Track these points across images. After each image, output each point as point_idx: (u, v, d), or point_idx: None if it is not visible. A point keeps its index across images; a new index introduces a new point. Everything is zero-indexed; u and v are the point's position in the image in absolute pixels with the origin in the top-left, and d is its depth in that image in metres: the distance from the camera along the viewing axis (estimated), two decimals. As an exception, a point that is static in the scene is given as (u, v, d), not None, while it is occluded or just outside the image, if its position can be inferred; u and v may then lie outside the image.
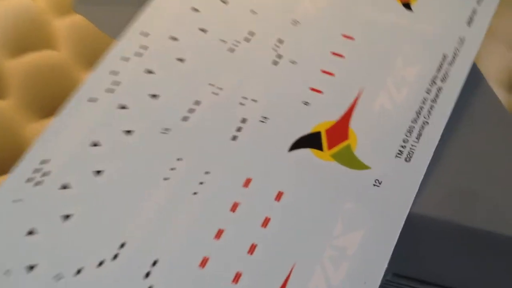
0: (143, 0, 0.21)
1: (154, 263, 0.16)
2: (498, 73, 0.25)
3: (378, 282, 0.15)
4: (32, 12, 0.27)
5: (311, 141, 0.18)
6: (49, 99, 0.26)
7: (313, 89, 0.19)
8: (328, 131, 0.18)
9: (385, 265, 0.16)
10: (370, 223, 0.16)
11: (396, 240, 0.16)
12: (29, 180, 0.18)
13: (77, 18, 0.27)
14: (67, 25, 0.27)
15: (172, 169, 0.18)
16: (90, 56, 0.27)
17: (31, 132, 0.24)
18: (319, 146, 0.18)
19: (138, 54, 0.20)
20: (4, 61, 0.26)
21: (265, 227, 0.16)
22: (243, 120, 0.18)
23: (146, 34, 0.20)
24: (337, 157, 0.17)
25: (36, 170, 0.18)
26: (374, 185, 0.17)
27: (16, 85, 0.26)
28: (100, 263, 0.16)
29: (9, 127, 0.25)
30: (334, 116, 0.18)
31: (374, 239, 0.16)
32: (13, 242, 0.16)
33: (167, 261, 0.16)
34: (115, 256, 0.16)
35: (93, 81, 0.19)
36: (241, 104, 0.19)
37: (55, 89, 0.26)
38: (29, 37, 0.27)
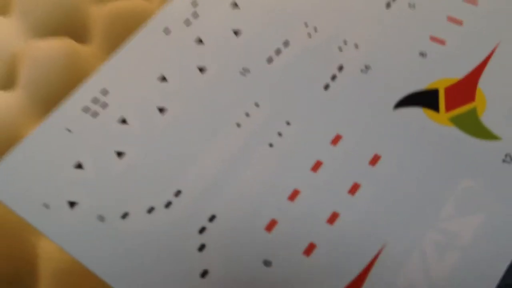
0: None
1: (211, 219, 0.13)
2: None
3: (497, 280, 0.11)
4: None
5: (425, 99, 0.14)
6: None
7: (434, 38, 0.15)
8: (448, 90, 0.14)
9: (508, 262, 0.11)
10: (494, 207, 0.12)
11: (529, 234, 0.12)
12: (85, 109, 0.15)
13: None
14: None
15: (246, 114, 0.14)
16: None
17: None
18: (434, 106, 0.14)
19: None
20: (91, 6, 0.25)
21: (352, 194, 0.13)
22: (340, 68, 0.15)
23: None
24: (457, 122, 0.13)
25: (95, 100, 0.15)
26: (504, 160, 0.13)
27: (100, 32, 0.24)
28: (150, 210, 0.13)
29: (87, 73, 0.23)
30: (458, 72, 0.14)
31: (496, 228, 0.12)
32: (58, 174, 0.14)
33: (227, 219, 0.13)
34: (168, 204, 0.13)
35: (170, 11, 0.17)
36: (340, 49, 0.15)
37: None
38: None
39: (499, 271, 0.12)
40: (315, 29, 0.16)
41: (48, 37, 0.24)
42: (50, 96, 0.22)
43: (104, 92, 0.15)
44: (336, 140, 0.14)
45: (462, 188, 0.13)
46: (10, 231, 0.14)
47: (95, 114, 0.15)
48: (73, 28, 0.25)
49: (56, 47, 0.23)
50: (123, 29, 0.24)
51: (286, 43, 0.16)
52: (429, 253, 0.12)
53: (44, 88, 0.23)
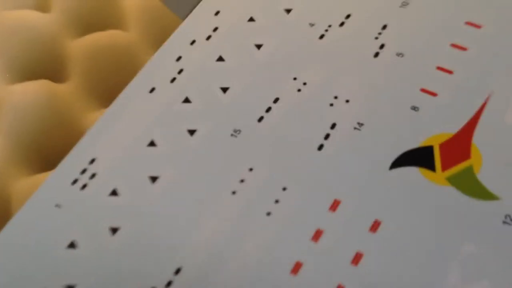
0: (219, -27, 0.18)
1: None
2: None
3: None
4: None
5: (420, 157, 0.14)
6: (113, 85, 0.23)
7: (424, 91, 0.15)
8: (443, 146, 0.14)
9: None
10: (498, 271, 0.12)
11: (533, 301, 0.12)
12: (74, 181, 0.15)
13: (146, -5, 0.24)
14: (138, 4, 0.24)
15: (241, 181, 0.14)
16: (161, 39, 0.24)
17: (92, 122, 0.21)
18: (430, 165, 0.14)
19: (207, 38, 0.16)
20: (67, 41, 0.24)
21: (355, 265, 0.13)
22: (333, 126, 0.15)
23: (218, 13, 0.17)
24: (455, 181, 0.13)
25: (83, 171, 0.15)
26: (505, 222, 0.13)
27: (79, 68, 0.23)
28: None
29: (66, 114, 0.22)
30: (452, 127, 0.14)
31: (503, 297, 0.12)
32: (51, 255, 0.14)
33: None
34: (169, 284, 0.13)
35: (153, 68, 0.16)
36: (331, 105, 0.15)
37: (120, 74, 0.23)
38: (97, 15, 0.24)
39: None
40: (304, 84, 0.15)
41: (25, 80, 0.23)
42: (32, 142, 0.22)
43: (92, 161, 0.15)
44: (334, 206, 0.14)
45: (464, 253, 0.13)
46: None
47: (83, 187, 0.15)
48: (50, 67, 0.24)
49: (32, 90, 0.23)
50: (101, 63, 0.24)
51: (276, 100, 0.15)
52: (437, 328, 0.12)
53: (25, 133, 0.22)
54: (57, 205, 0.14)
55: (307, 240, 0.13)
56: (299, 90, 0.15)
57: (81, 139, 0.18)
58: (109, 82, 0.23)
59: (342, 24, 0.16)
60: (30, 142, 0.22)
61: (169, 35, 0.24)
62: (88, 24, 0.25)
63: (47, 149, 0.22)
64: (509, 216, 0.13)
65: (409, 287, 0.12)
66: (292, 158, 0.14)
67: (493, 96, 0.15)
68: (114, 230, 0.14)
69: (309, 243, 0.13)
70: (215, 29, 0.17)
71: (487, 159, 0.14)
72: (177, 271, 0.13)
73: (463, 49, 0.15)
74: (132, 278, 0.13)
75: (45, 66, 0.24)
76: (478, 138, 0.14)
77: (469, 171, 0.14)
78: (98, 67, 0.23)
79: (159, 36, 0.25)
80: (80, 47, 0.24)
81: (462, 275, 0.12)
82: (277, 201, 0.14)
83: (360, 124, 0.15)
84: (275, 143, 0.15)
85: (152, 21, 0.25)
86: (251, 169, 0.14)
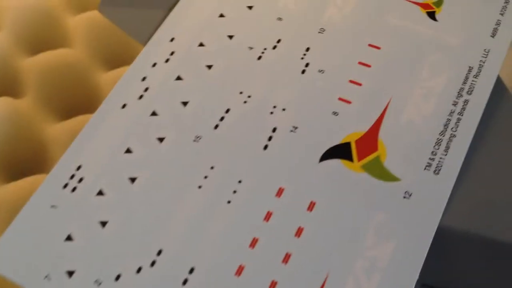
0: (170, 3, 0.21)
1: (191, 271, 0.16)
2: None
3: (411, 293, 0.16)
4: (48, 10, 0.27)
5: (341, 151, 0.18)
6: (66, 98, 0.25)
7: (341, 99, 0.19)
8: (357, 142, 0.18)
9: (416, 276, 0.16)
10: (401, 234, 0.17)
11: (426, 252, 0.16)
12: (65, 186, 0.18)
13: (93, 15, 0.27)
14: (83, 23, 0.27)
15: (205, 177, 0.18)
16: (107, 54, 0.27)
17: (51, 134, 0.24)
18: (349, 157, 0.18)
19: (166, 60, 0.20)
20: (20, 59, 0.26)
21: (298, 237, 0.17)
22: (274, 129, 0.19)
23: (173, 40, 0.20)
24: (367, 168, 0.18)
25: (71, 176, 0.18)
26: (404, 197, 0.17)
27: (33, 84, 0.26)
28: (139, 270, 0.16)
29: (26, 127, 0.24)
30: (363, 126, 0.19)
31: (406, 251, 0.16)
32: (52, 247, 0.17)
33: (204, 269, 0.16)
34: (153, 263, 0.16)
35: (122, 87, 0.19)
36: (271, 113, 0.19)
37: (72, 89, 0.26)
38: (45, 35, 0.27)
39: (412, 282, 0.16)
40: (249, 97, 0.19)
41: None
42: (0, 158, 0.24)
43: (78, 167, 0.18)
44: (280, 192, 0.18)
45: (377, 221, 0.17)
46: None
47: (73, 189, 0.18)
48: (7, 84, 0.26)
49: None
50: (54, 80, 0.26)
51: (227, 111, 0.19)
52: (360, 276, 0.16)
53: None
54: (53, 206, 0.17)
55: (260, 220, 0.17)
56: (245, 102, 0.19)
57: (49, 148, 0.20)
58: (63, 96, 0.26)
59: (274, 47, 0.20)
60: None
61: (114, 51, 0.27)
62: (38, 42, 0.27)
63: (11, 160, 0.24)
64: (407, 192, 0.18)
65: (338, 250, 0.17)
66: (244, 157, 0.18)
67: (392, 101, 0.19)
68: (104, 223, 0.17)
69: (262, 223, 0.17)
70: (172, 53, 0.20)
71: (390, 150, 0.18)
72: (159, 252, 0.17)
73: (368, 66, 0.20)
74: (122, 260, 0.17)
75: (2, 83, 0.26)
76: (383, 134, 0.19)
77: (377, 160, 0.18)
78: (52, 84, 0.26)
79: (105, 52, 0.27)
80: (33, 65, 0.26)
81: (375, 237, 0.17)
82: (235, 191, 0.18)
83: (295, 127, 0.19)
84: (230, 145, 0.18)
85: (97, 39, 0.27)
86: (212, 167, 0.18)
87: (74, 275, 0.16)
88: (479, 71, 0.19)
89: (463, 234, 0.17)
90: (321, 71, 0.20)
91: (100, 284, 0.16)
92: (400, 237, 0.17)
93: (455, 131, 0.18)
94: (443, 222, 0.17)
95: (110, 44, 0.27)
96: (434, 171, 0.18)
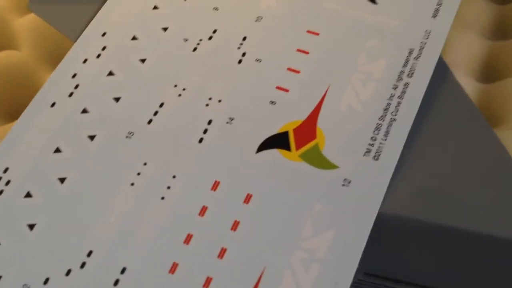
0: (102, -2, 0.20)
1: (123, 271, 0.16)
2: (467, 62, 0.25)
3: (349, 282, 0.15)
4: (-11, 10, 0.26)
5: (278, 141, 0.18)
6: (12, 101, 0.25)
7: (279, 88, 0.19)
8: (295, 131, 0.18)
9: (356, 265, 0.16)
10: (340, 223, 0.16)
11: (366, 240, 0.16)
12: None
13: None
14: (29, 24, 0.26)
15: (138, 174, 0.17)
16: (54, 56, 0.26)
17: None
18: (287, 146, 0.17)
19: (97, 56, 0.19)
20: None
21: (234, 230, 0.16)
22: (209, 122, 0.18)
23: (104, 34, 0.20)
24: (306, 157, 0.17)
25: None
26: (343, 185, 0.17)
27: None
28: (68, 272, 0.16)
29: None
30: (302, 115, 0.18)
31: (344, 240, 0.16)
32: None
33: (136, 268, 0.16)
34: (83, 265, 0.16)
35: (52, 85, 0.19)
36: (207, 105, 0.18)
37: (18, 91, 0.25)
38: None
39: (352, 270, 0.16)
40: (184, 89, 0.19)
41: None
42: None
43: (5, 170, 0.17)
44: (215, 186, 0.17)
45: (315, 211, 0.16)
46: None
47: (0, 192, 0.17)
48: None
49: None
50: (0, 82, 0.26)
51: (161, 104, 0.18)
52: (297, 268, 0.16)
53: None
54: None
55: (195, 215, 0.17)
56: (179, 95, 0.18)
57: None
58: (8, 98, 0.25)
59: (210, 37, 0.20)
60: None
61: (62, 52, 0.27)
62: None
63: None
64: (346, 179, 0.17)
65: (275, 242, 0.16)
66: (178, 151, 0.18)
67: (331, 87, 0.19)
68: (31, 226, 0.16)
69: (197, 218, 0.17)
70: (104, 48, 0.19)
71: (329, 137, 0.18)
72: (89, 253, 0.16)
73: (306, 52, 0.19)
74: (50, 263, 0.16)
75: None
76: (321, 121, 0.18)
77: (316, 148, 0.18)
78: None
79: (51, 53, 0.27)
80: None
81: (313, 228, 0.16)
82: (168, 187, 0.17)
83: (231, 119, 0.18)
84: (164, 140, 0.18)
85: (43, 40, 0.27)
86: (145, 164, 0.17)
87: (1, 281, 0.16)
88: (420, 53, 0.19)
89: (404, 220, 0.16)
90: (258, 60, 0.19)
91: None
92: (339, 226, 0.16)
93: (395, 115, 0.18)
94: (383, 209, 0.16)
95: (56, 45, 0.27)
96: (374, 156, 0.17)
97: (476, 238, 0.16)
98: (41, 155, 0.17)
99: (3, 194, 0.17)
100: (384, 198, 0.17)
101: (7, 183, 0.17)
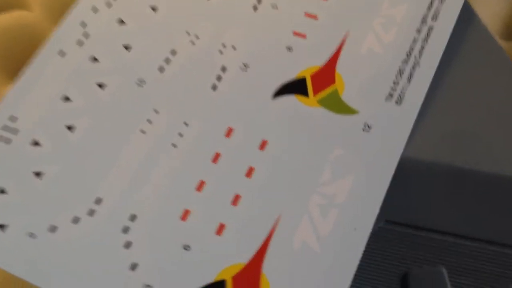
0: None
1: (133, 218, 0.15)
2: (492, 21, 0.24)
3: (370, 228, 0.14)
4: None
5: (296, 87, 0.17)
6: (23, 62, 0.24)
7: (296, 33, 0.18)
8: (313, 76, 0.17)
9: (377, 211, 0.15)
10: (360, 169, 0.15)
11: (387, 186, 0.15)
12: None
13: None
14: None
15: (149, 121, 0.17)
16: (64, 15, 0.26)
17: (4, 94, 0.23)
18: (304, 92, 0.17)
19: (108, 4, 0.19)
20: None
21: (249, 177, 0.16)
22: (223, 69, 0.17)
23: (117, -17, 0.19)
24: (324, 103, 0.16)
25: (5, 127, 0.17)
26: (364, 129, 0.16)
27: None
28: (75, 220, 0.15)
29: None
30: (319, 60, 0.17)
31: (365, 185, 0.15)
32: None
33: (146, 216, 0.15)
34: (91, 212, 0.15)
35: (62, 34, 0.18)
36: (220, 52, 0.18)
37: (28, 52, 0.25)
38: (-1, -2, 0.25)
39: (372, 217, 0.15)
40: (197, 37, 0.18)
41: None
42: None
43: (13, 119, 0.17)
44: (229, 132, 0.16)
45: (334, 156, 0.16)
46: None
47: (8, 141, 0.16)
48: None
49: None
50: (10, 42, 0.25)
51: (173, 52, 0.18)
52: (315, 214, 0.15)
53: None
54: None
55: (209, 162, 0.16)
56: (192, 42, 0.18)
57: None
58: (20, 58, 0.25)
59: (224, -16, 0.19)
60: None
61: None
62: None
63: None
64: (366, 124, 0.16)
65: (292, 189, 0.15)
66: (190, 98, 0.17)
67: (350, 33, 0.18)
68: (39, 174, 0.16)
69: (210, 165, 0.16)
70: None
71: (348, 83, 0.17)
72: (98, 200, 0.15)
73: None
74: (57, 211, 0.15)
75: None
76: (340, 67, 0.17)
77: (335, 93, 0.17)
78: (8, 46, 0.25)
79: (62, 13, 0.26)
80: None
81: (332, 173, 0.15)
82: (180, 135, 0.16)
83: (246, 66, 0.17)
84: (175, 87, 0.17)
85: (55, 0, 0.26)
86: (156, 111, 0.17)
87: (7, 229, 0.15)
88: (445, -4, 0.18)
89: (428, 165, 0.15)
90: (274, 6, 0.18)
91: (34, 236, 0.15)
92: (359, 171, 0.15)
93: (419, 59, 0.17)
94: (406, 154, 0.15)
95: (67, 5, 0.26)
96: (396, 101, 0.16)
97: (502, 182, 0.15)
98: (50, 104, 0.17)
99: (11, 143, 0.16)
100: (407, 143, 0.16)
101: (15, 132, 0.17)
